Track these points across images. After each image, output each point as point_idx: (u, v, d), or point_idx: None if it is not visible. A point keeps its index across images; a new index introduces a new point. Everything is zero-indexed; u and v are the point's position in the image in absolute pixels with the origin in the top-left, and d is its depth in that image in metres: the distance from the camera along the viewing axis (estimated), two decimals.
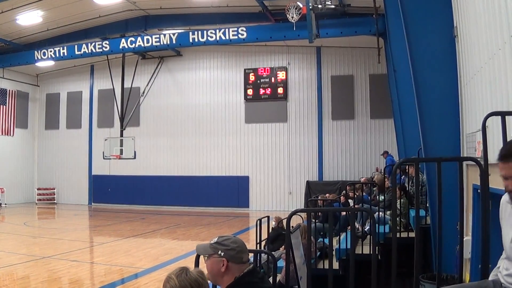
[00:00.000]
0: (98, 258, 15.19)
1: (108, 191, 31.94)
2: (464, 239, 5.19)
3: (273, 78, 29.35)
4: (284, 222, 5.35)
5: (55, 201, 33.47)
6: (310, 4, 17.06)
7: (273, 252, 8.45)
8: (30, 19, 23.67)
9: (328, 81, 28.79)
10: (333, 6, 19.11)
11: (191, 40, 22.06)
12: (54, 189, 33.91)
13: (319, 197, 14.82)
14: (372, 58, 24.64)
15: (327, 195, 15.50)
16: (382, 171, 16.44)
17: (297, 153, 28.86)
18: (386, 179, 13.51)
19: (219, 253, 3.56)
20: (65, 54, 24.54)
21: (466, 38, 7.23)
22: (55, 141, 34.31)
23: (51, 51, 25.06)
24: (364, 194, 13.71)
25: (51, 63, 27.07)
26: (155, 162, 31.36)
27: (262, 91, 29.40)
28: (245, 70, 29.92)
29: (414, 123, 8.85)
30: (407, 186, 12.06)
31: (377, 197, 13.04)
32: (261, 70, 29.58)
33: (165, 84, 31.57)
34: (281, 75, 29.32)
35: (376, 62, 22.64)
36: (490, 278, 3.51)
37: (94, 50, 24.01)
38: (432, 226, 8.28)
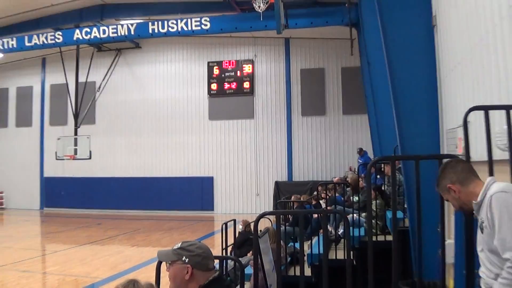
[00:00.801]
0: (51, 267, 14.87)
1: (61, 195, 31.29)
2: (446, 242, 5.16)
3: (238, 72, 29.25)
4: (252, 225, 5.28)
5: (3, 206, 32.71)
6: None
7: (240, 258, 8.37)
8: None
9: (297, 74, 28.81)
10: None
11: (150, 31, 21.63)
12: (2, 193, 33.12)
13: (290, 199, 14.71)
14: (344, 50, 24.20)
15: (297, 196, 15.41)
16: (356, 170, 16.41)
17: (265, 152, 28.79)
18: (360, 179, 13.44)
19: (183, 259, 3.50)
20: (14, 45, 23.79)
21: (446, 28, 7.22)
22: (3, 140, 33.53)
23: None
24: (337, 195, 13.63)
25: None
26: (112, 163, 30.94)
27: (227, 85, 29.27)
28: (208, 63, 29.77)
29: (390, 119, 8.82)
30: (383, 186, 12.02)
31: (351, 198, 12.99)
32: (226, 63, 29.48)
33: (123, 78, 31.15)
34: (247, 68, 29.25)
35: (348, 54, 22.12)
36: None
37: (46, 42, 23.25)
38: (411, 228, 8.24)
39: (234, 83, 29.24)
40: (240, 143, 29.21)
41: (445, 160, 4.36)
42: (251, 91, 29.08)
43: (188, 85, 30.09)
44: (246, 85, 29.17)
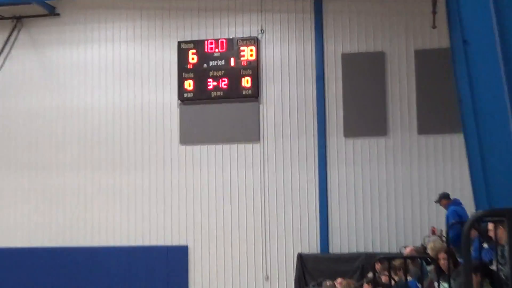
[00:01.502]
0: None
1: None
2: None
3: (232, 59, 19.23)
4: None
5: None
6: None
7: None
8: None
9: (336, 63, 19.24)
10: None
11: None
12: None
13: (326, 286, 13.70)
14: (420, 23, 18.36)
15: (338, 280, 14.18)
16: (443, 233, 14.51)
17: (279, 201, 19.10)
18: (451, 250, 10.96)
19: None
20: None
21: None
22: None
23: None
24: (410, 278, 11.36)
25: None
26: (5, 224, 20.75)
27: (212, 83, 19.25)
28: (179, 44, 19.57)
29: (504, 138, 8.38)
30: (493, 262, 9.50)
31: (437, 285, 10.21)
32: (210, 43, 19.38)
33: (25, 67, 21.14)
34: (247, 53, 19.24)
35: (428, 29, 17.48)
36: None
37: None
38: None
39: (225, 79, 19.21)
40: (236, 185, 19.52)
41: None
42: (255, 94, 19.10)
43: (143, 83, 20.10)
44: (246, 82, 19.14)
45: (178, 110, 19.49)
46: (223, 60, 19.10)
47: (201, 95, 19.30)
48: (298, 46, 19.32)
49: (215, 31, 19.72)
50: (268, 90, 19.24)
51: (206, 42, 19.23)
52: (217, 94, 19.09)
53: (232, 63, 19.04)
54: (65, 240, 20.12)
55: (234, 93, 19.08)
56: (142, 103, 19.86)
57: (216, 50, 19.12)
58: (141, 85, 19.90)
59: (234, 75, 19.06)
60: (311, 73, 19.09)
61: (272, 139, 19.13)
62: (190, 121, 19.49)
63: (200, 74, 19.18)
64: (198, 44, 19.34)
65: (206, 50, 19.21)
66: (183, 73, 19.33)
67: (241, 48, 19.06)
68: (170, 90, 19.68)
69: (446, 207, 16.09)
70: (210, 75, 19.15)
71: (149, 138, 19.81)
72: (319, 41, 18.99)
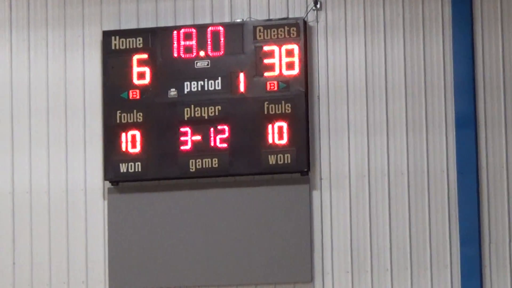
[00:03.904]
0: None
1: None
2: None
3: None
4: None
5: None
6: None
7: None
8: None
9: None
10: None
11: None
12: None
13: None
14: None
15: None
16: None
17: None
18: None
19: None
20: None
21: None
22: None
23: None
24: None
25: None
26: None
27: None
28: (104, 32, 8.70)
29: None
30: None
31: None
32: (187, 31, 8.46)
33: None
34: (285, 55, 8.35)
35: None
36: None
37: None
38: None
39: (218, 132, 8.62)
40: None
41: None
42: (304, 147, 8.16)
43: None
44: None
45: (105, 205, 8.95)
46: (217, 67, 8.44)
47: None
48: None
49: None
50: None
51: (175, 34, 8.65)
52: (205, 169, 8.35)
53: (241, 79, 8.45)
54: None
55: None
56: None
57: (202, 54, 8.42)
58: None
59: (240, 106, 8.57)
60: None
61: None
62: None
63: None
64: (164, 33, 8.78)
65: (178, 53, 8.58)
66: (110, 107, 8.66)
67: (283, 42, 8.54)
68: (92, 152, 8.81)
69: None
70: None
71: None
72: None
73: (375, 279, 8.18)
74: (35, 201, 8.88)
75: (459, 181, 8.04)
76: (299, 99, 7.99)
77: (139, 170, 8.33)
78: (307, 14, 8.30)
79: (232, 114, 8.13)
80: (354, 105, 8.18)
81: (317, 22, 8.38)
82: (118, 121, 8.43)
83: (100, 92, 8.73)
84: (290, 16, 8.31)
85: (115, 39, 8.55)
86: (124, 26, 8.74)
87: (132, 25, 8.70)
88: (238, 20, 8.43)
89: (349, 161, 8.18)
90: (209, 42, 8.34)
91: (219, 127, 8.12)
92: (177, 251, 8.32)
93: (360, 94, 8.14)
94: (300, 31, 8.16)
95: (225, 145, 8.06)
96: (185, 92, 8.23)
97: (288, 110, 8.05)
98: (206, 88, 8.20)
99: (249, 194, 8.24)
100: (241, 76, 8.12)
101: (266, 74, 8.13)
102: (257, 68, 8.18)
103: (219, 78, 8.19)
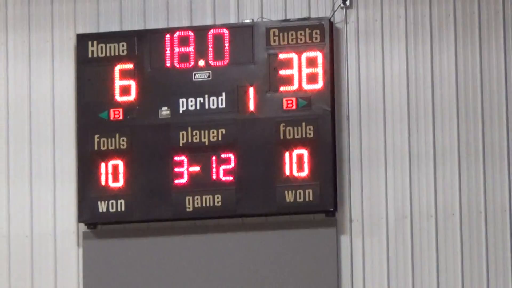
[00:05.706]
0: None
1: None
2: None
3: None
4: None
5: None
6: None
7: None
8: None
9: None
10: None
11: None
12: None
13: None
14: None
15: None
16: None
17: None
18: None
19: None
20: None
21: None
22: None
23: None
24: None
25: None
26: None
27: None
28: (78, 36, 8.22)
29: None
30: None
31: None
32: (183, 35, 8.08)
33: None
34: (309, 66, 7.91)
35: None
36: None
37: None
38: None
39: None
40: None
41: None
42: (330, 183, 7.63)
43: None
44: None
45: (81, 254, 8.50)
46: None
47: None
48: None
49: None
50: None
51: (170, 37, 8.40)
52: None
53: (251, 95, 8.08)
54: None
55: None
56: None
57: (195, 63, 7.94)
58: None
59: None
60: None
61: None
62: None
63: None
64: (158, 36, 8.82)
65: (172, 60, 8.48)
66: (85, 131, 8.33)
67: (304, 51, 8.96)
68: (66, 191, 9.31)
69: None
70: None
71: None
72: None
73: None
74: None
75: None
76: (323, 120, 7.24)
77: (122, 209, 7.52)
78: (333, 13, 7.58)
79: (239, 139, 7.40)
80: (392, 129, 7.39)
81: (346, 23, 7.64)
82: (96, 148, 7.63)
83: (74, 112, 7.94)
84: (312, 15, 7.58)
85: (92, 45, 7.81)
86: (103, 29, 7.99)
87: (114, 27, 7.93)
88: (247, 21, 7.74)
89: (387, 199, 7.34)
90: (210, 49, 7.64)
91: (223, 155, 7.36)
92: None
93: (400, 115, 7.33)
94: (324, 34, 7.44)
95: (230, 178, 7.27)
96: (181, 111, 7.49)
97: (310, 134, 7.32)
98: (206, 107, 7.48)
99: (260, 240, 7.37)
100: (251, 91, 7.40)
101: (282, 88, 7.42)
102: (270, 81, 7.46)
103: (223, 94, 7.48)
